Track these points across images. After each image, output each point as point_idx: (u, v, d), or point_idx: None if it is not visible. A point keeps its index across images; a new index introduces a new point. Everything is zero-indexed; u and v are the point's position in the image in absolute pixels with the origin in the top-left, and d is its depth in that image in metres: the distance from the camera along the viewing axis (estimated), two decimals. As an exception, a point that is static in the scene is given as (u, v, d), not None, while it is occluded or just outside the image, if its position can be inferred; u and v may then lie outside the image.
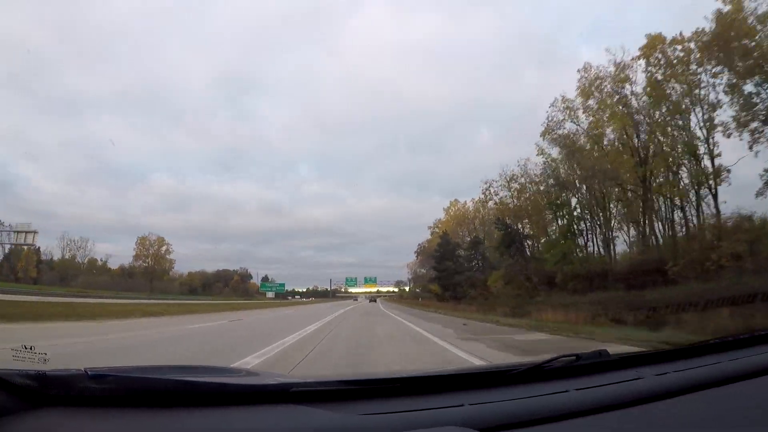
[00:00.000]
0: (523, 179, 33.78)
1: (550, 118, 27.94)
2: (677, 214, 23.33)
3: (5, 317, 11.16)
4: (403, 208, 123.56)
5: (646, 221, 24.56)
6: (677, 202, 22.90)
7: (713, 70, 20.55)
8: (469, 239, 47.89)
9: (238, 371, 1.93)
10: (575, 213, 28.42)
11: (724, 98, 20.19)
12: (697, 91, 21.38)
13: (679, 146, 22.25)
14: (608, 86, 25.06)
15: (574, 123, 27.39)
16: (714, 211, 20.64)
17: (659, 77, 22.67)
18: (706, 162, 21.25)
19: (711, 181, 20.78)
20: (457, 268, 42.90)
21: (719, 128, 20.30)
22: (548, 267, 27.59)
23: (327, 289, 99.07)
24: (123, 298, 33.92)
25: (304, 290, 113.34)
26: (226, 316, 20.05)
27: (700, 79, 21.33)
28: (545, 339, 10.06)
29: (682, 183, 22.49)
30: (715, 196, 20.58)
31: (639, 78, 23.94)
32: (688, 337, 8.06)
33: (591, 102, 25.82)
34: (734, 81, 19.32)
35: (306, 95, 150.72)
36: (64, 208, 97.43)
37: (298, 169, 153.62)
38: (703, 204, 21.60)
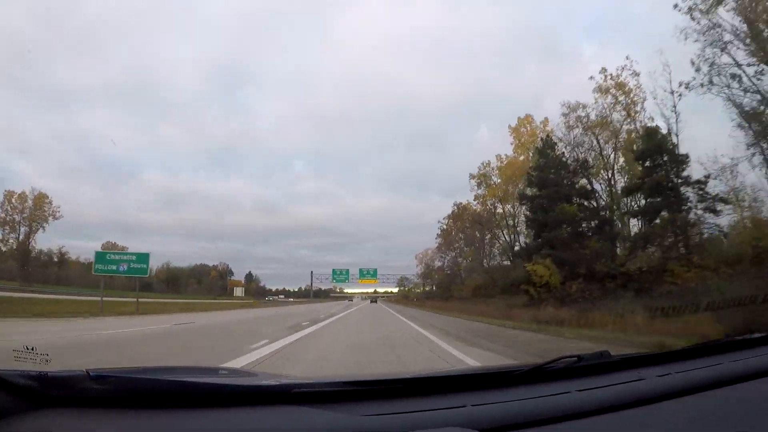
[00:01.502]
0: None
1: None
2: None
3: None
4: (402, 208, 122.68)
5: None
6: None
7: None
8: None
9: (238, 372, 1.93)
10: None
11: None
12: None
13: None
14: None
15: None
16: None
17: None
18: None
19: None
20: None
21: None
22: None
23: (320, 288, 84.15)
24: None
25: (296, 290, 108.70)
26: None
27: None
28: None
29: None
30: None
31: None
32: None
33: None
34: None
35: (301, 90, 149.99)
36: (55, 204, 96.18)
37: (294, 167, 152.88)
38: None
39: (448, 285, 43.83)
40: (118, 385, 1.13)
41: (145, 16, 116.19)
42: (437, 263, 52.83)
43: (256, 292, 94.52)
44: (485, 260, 40.48)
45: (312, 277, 68.53)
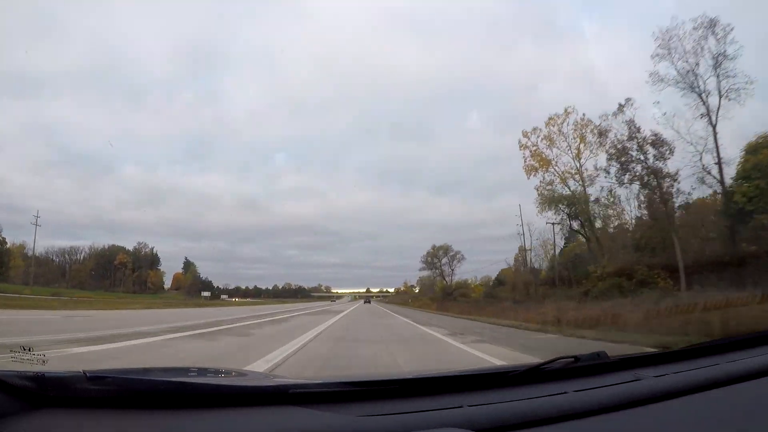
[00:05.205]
0: None
1: None
2: None
3: None
4: (388, 206, 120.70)
5: None
6: None
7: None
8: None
9: (235, 373, 1.93)
10: None
11: None
12: None
13: None
14: None
15: None
16: None
17: None
18: None
19: None
20: None
21: None
22: None
23: (304, 287, 71.38)
24: None
25: (270, 287, 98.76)
26: None
27: None
28: None
29: None
30: None
31: None
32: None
33: None
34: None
35: (278, 74, 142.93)
36: (32, 202, 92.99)
37: (275, 161, 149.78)
38: None
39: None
40: (115, 385, 1.13)
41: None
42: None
43: (192, 287, 69.23)
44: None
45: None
